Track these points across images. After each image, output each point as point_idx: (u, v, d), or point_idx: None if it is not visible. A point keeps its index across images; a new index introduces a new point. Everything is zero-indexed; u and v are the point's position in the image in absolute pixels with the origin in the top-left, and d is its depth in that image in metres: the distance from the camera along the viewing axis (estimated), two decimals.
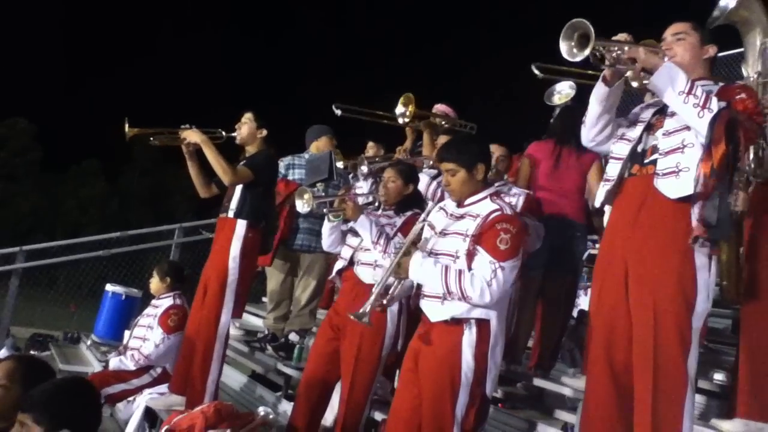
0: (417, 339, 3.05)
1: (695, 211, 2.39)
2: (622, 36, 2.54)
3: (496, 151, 4.04)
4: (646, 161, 2.63)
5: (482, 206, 2.96)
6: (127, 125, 4.20)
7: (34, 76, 56.64)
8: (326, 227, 4.01)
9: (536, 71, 2.91)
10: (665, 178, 2.53)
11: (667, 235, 2.48)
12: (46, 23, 60.15)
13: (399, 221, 3.73)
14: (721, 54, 3.00)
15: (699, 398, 3.62)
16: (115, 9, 63.02)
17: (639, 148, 2.68)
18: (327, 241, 4.07)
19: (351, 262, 3.81)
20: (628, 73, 2.59)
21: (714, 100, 2.43)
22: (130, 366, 4.87)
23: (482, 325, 2.87)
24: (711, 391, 3.54)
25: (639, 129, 2.70)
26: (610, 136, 2.80)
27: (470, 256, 2.85)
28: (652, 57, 2.50)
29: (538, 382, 4.20)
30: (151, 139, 4.25)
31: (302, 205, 3.91)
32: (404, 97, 4.48)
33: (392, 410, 3.12)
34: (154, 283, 5.17)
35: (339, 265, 3.94)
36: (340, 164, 5.03)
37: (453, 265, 2.87)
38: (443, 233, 3.01)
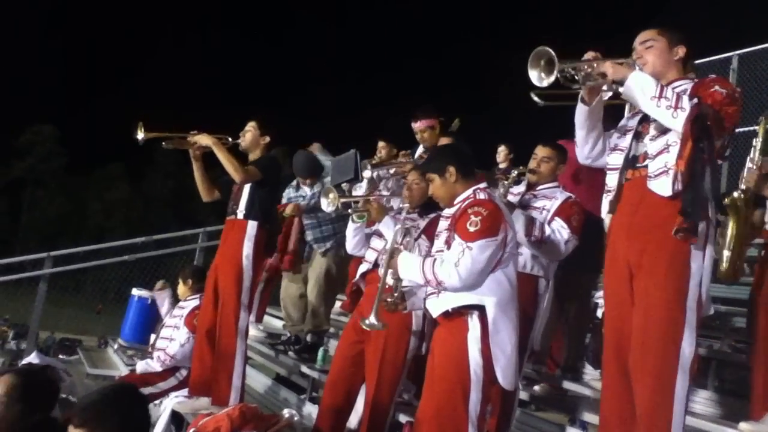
0: (432, 340, 3.13)
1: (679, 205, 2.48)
2: (590, 54, 2.66)
3: (539, 152, 3.92)
4: (639, 165, 2.72)
5: (465, 201, 3.05)
6: (141, 130, 4.34)
7: (59, 82, 57.52)
8: (350, 229, 4.03)
9: (536, 99, 2.98)
10: (657, 178, 2.60)
11: (661, 231, 2.54)
12: (67, 31, 61.03)
13: (423, 223, 3.72)
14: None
15: (724, 399, 3.58)
16: (133, 15, 63.72)
17: (631, 155, 2.76)
18: (351, 243, 4.09)
19: (375, 265, 3.82)
20: (604, 87, 2.74)
21: (685, 98, 2.49)
22: (157, 367, 4.94)
23: (481, 314, 2.90)
24: (736, 392, 3.50)
25: (629, 137, 2.79)
26: (604, 150, 2.90)
27: (449, 244, 2.95)
28: (620, 69, 2.62)
29: (565, 383, 4.18)
30: (164, 143, 4.42)
31: (327, 205, 3.93)
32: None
33: (418, 410, 3.14)
34: (180, 288, 5.27)
35: (363, 267, 3.95)
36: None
37: (428, 256, 3.01)
38: (437, 235, 3.14)
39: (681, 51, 2.75)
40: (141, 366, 5.02)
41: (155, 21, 65.49)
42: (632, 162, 2.75)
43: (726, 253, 3.35)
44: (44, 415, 2.70)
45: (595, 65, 2.64)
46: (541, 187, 3.89)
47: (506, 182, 3.96)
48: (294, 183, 5.72)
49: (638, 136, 2.75)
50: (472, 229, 2.87)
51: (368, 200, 3.87)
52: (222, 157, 4.27)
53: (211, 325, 4.42)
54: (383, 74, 68.93)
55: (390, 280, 3.10)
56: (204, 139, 4.34)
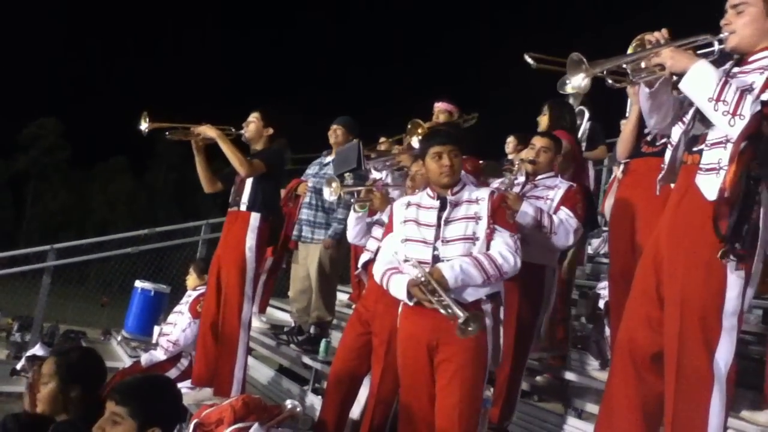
0: (432, 331, 2.93)
1: (720, 226, 2.24)
2: (657, 34, 2.41)
3: (537, 142, 3.91)
4: (695, 149, 2.45)
5: (475, 192, 3.07)
6: (145, 119, 4.36)
7: (62, 76, 57.58)
8: (351, 218, 4.05)
9: (530, 60, 2.86)
10: (707, 174, 2.36)
11: (700, 230, 2.34)
12: (70, 24, 60.98)
13: None
14: None
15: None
16: (136, 10, 63.66)
17: (690, 134, 2.49)
18: (352, 232, 4.10)
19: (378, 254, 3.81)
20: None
21: (747, 103, 2.22)
22: (161, 356, 4.97)
23: (495, 299, 2.97)
24: (740, 382, 3.49)
25: (691, 111, 2.50)
26: (675, 118, 2.60)
27: (489, 235, 2.96)
28: (680, 60, 2.33)
29: (567, 374, 4.18)
30: (167, 133, 4.43)
31: (330, 194, 3.96)
32: (411, 125, 4.50)
33: (403, 406, 3.11)
34: (191, 279, 5.30)
35: (365, 257, 3.95)
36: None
37: (477, 253, 2.92)
38: (447, 221, 2.99)
39: None
40: (145, 358, 5.04)
41: (158, 16, 65.42)
42: (690, 142, 2.48)
43: None
44: (86, 392, 2.74)
45: (652, 55, 2.37)
46: (540, 177, 3.88)
47: (511, 174, 3.96)
48: (319, 161, 5.68)
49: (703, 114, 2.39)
50: (511, 221, 3.10)
51: (371, 190, 3.88)
52: (227, 149, 4.29)
53: (215, 317, 4.45)
54: (384, 73, 68.80)
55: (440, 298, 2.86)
56: (209, 131, 4.34)
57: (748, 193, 2.17)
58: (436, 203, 3.06)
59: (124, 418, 2.20)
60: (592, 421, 3.71)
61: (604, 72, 2.44)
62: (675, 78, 2.39)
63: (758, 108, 2.21)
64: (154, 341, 5.62)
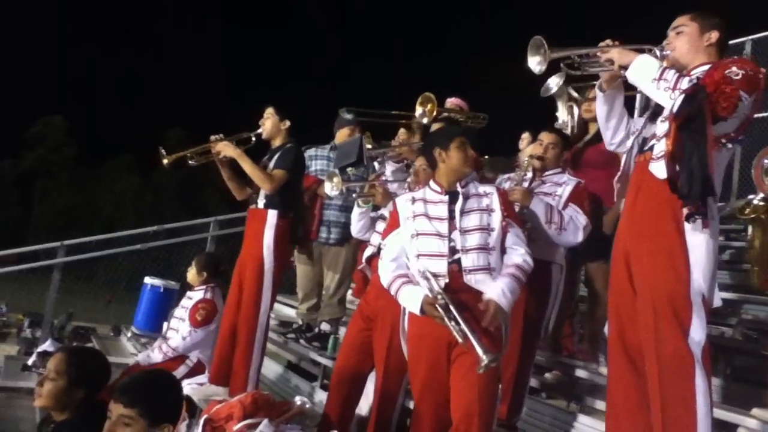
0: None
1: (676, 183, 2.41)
2: (604, 43, 2.71)
3: (545, 138, 3.91)
4: (646, 148, 2.71)
5: (481, 186, 3.17)
6: (165, 157, 4.44)
7: (68, 73, 57.79)
8: (355, 213, 4.05)
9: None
10: (658, 161, 2.57)
11: (659, 216, 2.53)
12: (75, 22, 61.17)
13: None
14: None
15: (736, 386, 3.58)
16: (140, 9, 63.88)
17: (641, 137, 2.77)
18: (356, 226, 4.11)
19: (380, 249, 3.82)
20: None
21: (685, 80, 2.47)
22: (158, 358, 4.94)
23: None
24: (749, 379, 3.49)
25: (642, 119, 2.81)
26: (628, 135, 2.90)
27: (505, 228, 3.05)
28: (627, 55, 2.65)
29: (577, 371, 4.18)
30: (190, 162, 4.48)
31: (331, 188, 3.96)
32: (422, 97, 4.44)
33: (418, 403, 3.11)
34: (191, 274, 5.28)
35: (368, 252, 3.95)
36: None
37: (511, 269, 2.98)
38: (463, 212, 3.05)
39: (713, 36, 2.70)
40: (142, 357, 5.04)
41: (161, 13, 65.65)
42: (642, 144, 2.74)
43: (755, 268, 3.31)
44: (89, 395, 2.76)
45: (601, 53, 2.69)
46: (548, 173, 3.89)
47: (521, 170, 3.95)
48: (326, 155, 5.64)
49: (654, 117, 2.73)
50: (519, 216, 3.30)
51: (373, 185, 3.89)
52: (248, 168, 4.28)
53: (235, 319, 4.42)
54: (387, 68, 68.84)
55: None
56: (228, 150, 4.32)
57: (691, 148, 2.35)
58: (445, 197, 3.11)
59: (134, 419, 2.22)
60: (600, 417, 3.71)
61: (562, 62, 2.75)
62: (623, 72, 2.67)
63: (695, 81, 2.47)
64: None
